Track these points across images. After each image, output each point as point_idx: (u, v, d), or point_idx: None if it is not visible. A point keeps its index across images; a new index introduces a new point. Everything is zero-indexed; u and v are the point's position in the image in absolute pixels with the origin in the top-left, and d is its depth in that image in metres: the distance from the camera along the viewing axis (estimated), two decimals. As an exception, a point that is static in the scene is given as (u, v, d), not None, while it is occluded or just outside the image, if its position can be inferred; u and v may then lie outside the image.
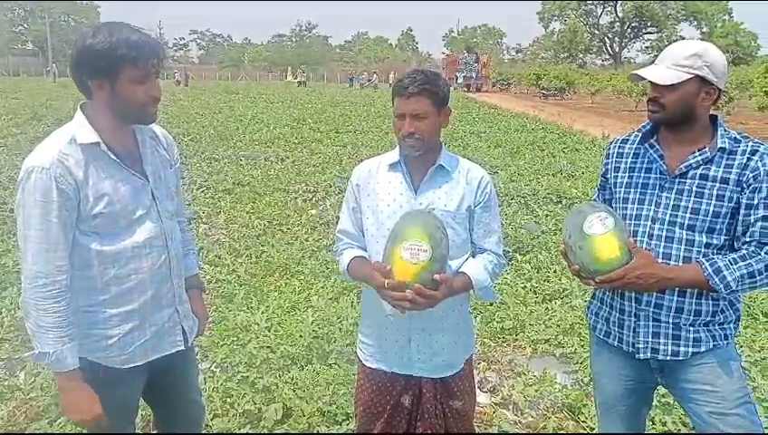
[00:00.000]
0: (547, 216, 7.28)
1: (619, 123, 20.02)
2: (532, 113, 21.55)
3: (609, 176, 2.27)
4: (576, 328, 4.15)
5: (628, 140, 2.25)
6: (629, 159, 2.20)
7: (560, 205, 7.92)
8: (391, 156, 2.26)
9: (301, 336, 3.84)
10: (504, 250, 2.34)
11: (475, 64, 44.57)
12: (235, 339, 3.87)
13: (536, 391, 3.53)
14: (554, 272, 5.50)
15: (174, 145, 2.21)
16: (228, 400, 3.31)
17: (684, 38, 63.16)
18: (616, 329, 2.17)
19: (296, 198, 8.11)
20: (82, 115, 1.91)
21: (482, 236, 2.24)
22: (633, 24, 68.06)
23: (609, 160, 2.27)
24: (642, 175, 2.14)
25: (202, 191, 8.26)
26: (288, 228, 6.69)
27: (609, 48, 71.35)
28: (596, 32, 70.59)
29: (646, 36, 69.66)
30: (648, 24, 67.29)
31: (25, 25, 76.18)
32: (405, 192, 2.18)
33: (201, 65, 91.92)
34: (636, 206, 2.13)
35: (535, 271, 5.56)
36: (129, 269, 1.96)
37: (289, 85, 45.80)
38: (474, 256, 2.25)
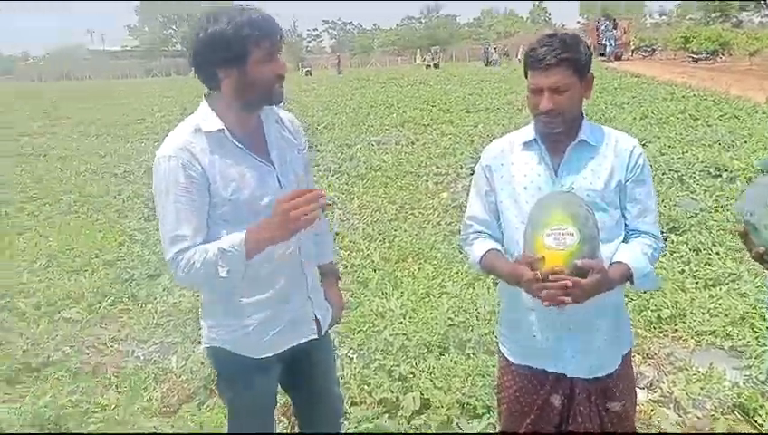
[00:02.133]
0: (705, 191, 6.57)
1: (785, 85, 17.81)
2: (680, 80, 19.77)
3: None
4: (748, 318, 3.65)
5: None
6: None
7: (719, 178, 7.12)
8: (525, 133, 2.02)
9: (436, 324, 3.71)
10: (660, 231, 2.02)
11: (614, 31, 41.76)
12: (371, 325, 3.83)
13: (701, 388, 3.15)
14: (717, 254, 4.93)
15: (300, 129, 2.14)
16: (366, 387, 3.26)
17: None
18: None
19: (427, 181, 7.99)
20: (207, 105, 1.88)
21: (636, 216, 1.95)
22: (800, -27, 60.34)
23: None
24: None
25: (336, 178, 8.39)
26: (420, 212, 6.60)
27: (766, 3, 63.90)
28: (754, -15, 63.48)
29: (815, -15, 61.51)
30: (819, -30, 59.31)
31: (174, 28, 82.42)
32: (543, 173, 1.94)
33: (333, 53, 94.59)
34: None
35: (694, 253, 5.01)
36: (261, 258, 1.90)
37: (419, 68, 45.76)
38: (626, 241, 1.97)
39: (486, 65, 40.31)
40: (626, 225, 1.98)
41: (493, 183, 2.05)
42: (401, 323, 3.80)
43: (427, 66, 44.33)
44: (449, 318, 3.77)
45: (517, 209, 1.98)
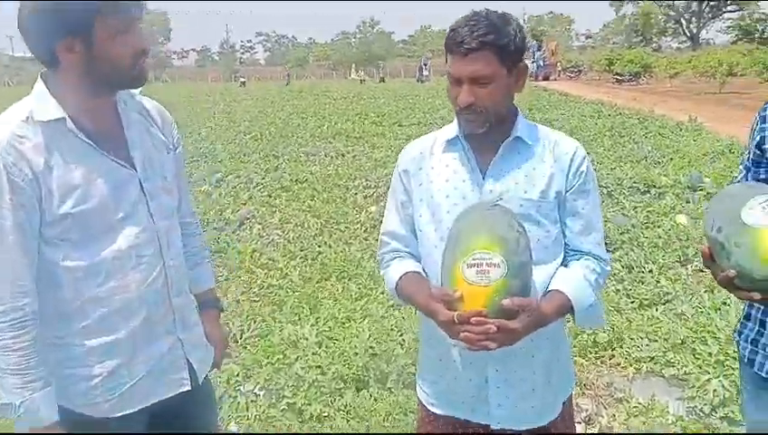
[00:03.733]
0: (635, 207, 6.46)
1: (704, 106, 18.51)
2: (606, 99, 20.26)
3: (766, 145, 1.59)
4: (688, 343, 3.41)
5: None
6: None
7: (648, 194, 7.06)
8: (448, 130, 1.66)
9: (356, 354, 3.29)
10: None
11: (540, 52, 42.92)
12: (281, 356, 3.37)
13: (643, 422, 2.87)
14: (650, 272, 4.75)
15: (172, 123, 1.70)
16: (272, 429, 2.81)
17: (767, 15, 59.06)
18: None
19: (356, 194, 7.60)
20: (44, 86, 1.41)
21: (578, 233, 1.61)
22: (712, 3, 64.08)
23: None
24: None
25: (258, 190, 7.88)
26: (346, 227, 6.19)
27: (686, 29, 67.52)
28: (671, 13, 66.87)
29: (726, 15, 65.47)
30: (728, 1, 63.19)
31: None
32: (468, 177, 1.58)
33: (267, 66, 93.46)
34: None
35: (627, 271, 4.83)
36: (111, 287, 1.45)
37: (353, 83, 45.59)
38: (566, 264, 1.63)
39: (418, 81, 40.77)
40: (565, 244, 1.63)
41: (410, 192, 1.68)
42: (315, 353, 3.36)
43: (362, 81, 44.34)
44: (370, 347, 3.35)
45: (436, 223, 1.61)
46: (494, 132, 1.56)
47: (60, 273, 1.42)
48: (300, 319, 3.94)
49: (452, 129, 1.64)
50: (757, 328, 1.59)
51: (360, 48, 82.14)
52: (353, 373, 3.14)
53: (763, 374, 1.56)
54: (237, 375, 3.27)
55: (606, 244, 4.88)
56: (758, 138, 1.60)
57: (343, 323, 3.79)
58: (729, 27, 64.77)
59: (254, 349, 3.51)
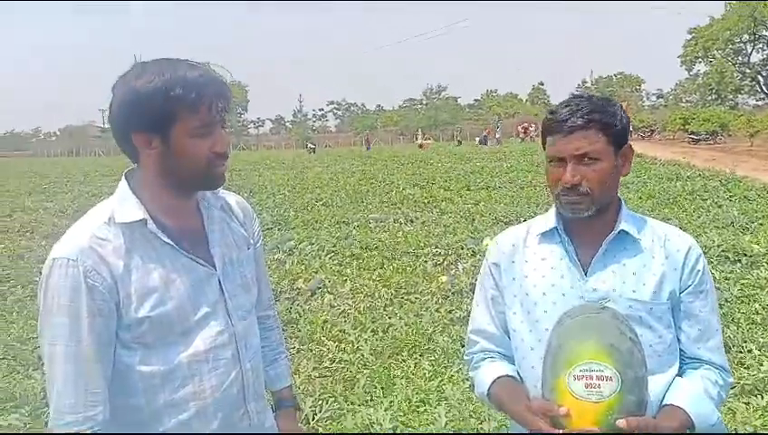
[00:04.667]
0: (726, 278, 6.04)
1: (790, 166, 17.59)
2: (683, 160, 19.59)
3: None
4: (805, 440, 3.06)
5: None
6: None
7: (739, 264, 6.62)
8: (544, 221, 1.55)
9: (433, 442, 3.11)
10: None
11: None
12: (355, 443, 3.23)
13: None
14: (749, 352, 4.36)
15: (253, 217, 1.66)
16: None
17: None
18: None
19: (425, 262, 7.48)
20: (127, 187, 1.41)
21: (695, 340, 1.45)
22: (790, 59, 61.92)
23: None
24: None
25: (329, 257, 7.89)
26: (417, 297, 6.05)
27: (763, 86, 65.29)
28: (747, 70, 64.97)
29: (807, 69, 63.00)
30: (808, 57, 60.88)
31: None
32: (568, 273, 1.46)
33: (338, 133, 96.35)
34: None
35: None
36: (187, 393, 1.39)
37: (424, 146, 46.24)
38: (682, 374, 1.46)
39: (480, 144, 41.49)
40: (681, 350, 1.47)
41: (501, 287, 1.57)
42: (390, 440, 3.21)
43: (420, 145, 45.14)
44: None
45: (531, 323, 1.49)
46: (596, 223, 1.45)
47: (135, 378, 1.37)
48: (372, 400, 3.80)
49: (548, 220, 1.54)
50: None
51: (427, 113, 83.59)
52: (431, 464, 2.96)
53: None
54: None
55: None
56: None
57: (417, 408, 3.62)
58: (811, 82, 62.16)
59: (326, 432, 3.38)
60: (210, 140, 1.37)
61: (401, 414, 3.51)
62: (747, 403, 3.53)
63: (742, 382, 3.84)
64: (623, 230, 1.46)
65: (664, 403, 1.39)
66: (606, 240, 1.45)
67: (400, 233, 9.38)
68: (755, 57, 63.82)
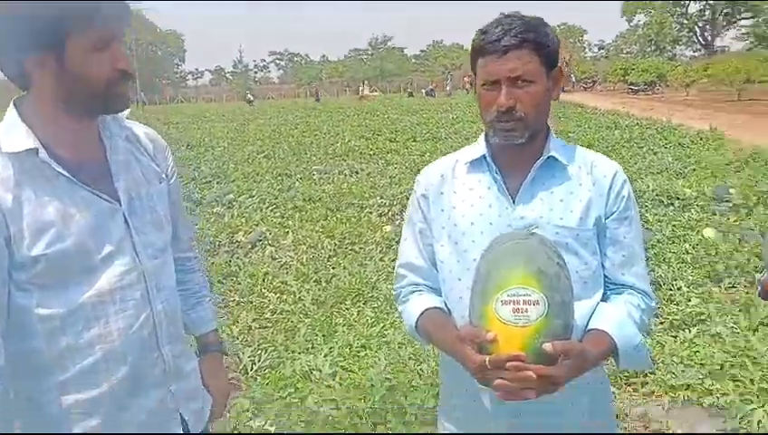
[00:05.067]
0: (660, 221, 6.24)
1: (723, 115, 18.23)
2: (622, 110, 20.03)
3: None
4: (728, 368, 3.19)
5: None
6: None
7: (672, 207, 6.84)
8: (472, 150, 1.50)
9: (372, 386, 3.11)
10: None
11: (556, 64, 42.79)
12: (293, 390, 3.20)
13: (684, 458, 2.66)
14: (679, 290, 4.53)
15: (166, 149, 1.55)
16: (283, 469, 2.64)
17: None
18: None
19: (370, 213, 7.45)
20: (16, 114, 1.27)
21: (620, 265, 1.44)
22: (725, 11, 63.55)
23: None
24: None
25: (271, 210, 7.76)
26: (361, 247, 6.03)
27: (700, 38, 67.00)
28: (685, 21, 66.41)
29: (740, 23, 64.89)
30: (742, 9, 62.61)
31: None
32: (496, 202, 1.42)
33: (281, 84, 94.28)
34: None
35: (654, 288, 4.58)
36: (92, 336, 1.29)
37: (367, 98, 45.75)
38: (606, 299, 1.45)
39: (426, 96, 41.76)
40: (605, 277, 1.46)
41: (430, 219, 1.52)
42: (329, 386, 3.19)
43: (411, 94, 45.18)
44: (387, 378, 3.17)
45: (459, 254, 1.45)
46: (525, 151, 1.41)
47: (33, 321, 1.26)
48: (313, 347, 3.78)
49: (476, 149, 1.49)
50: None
51: (373, 64, 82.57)
52: (370, 408, 2.97)
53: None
54: (247, 410, 3.10)
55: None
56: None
57: (359, 353, 3.61)
58: (744, 34, 64.21)
59: (265, 381, 3.35)
60: (110, 56, 1.25)
61: (341, 359, 3.50)
62: (675, 337, 3.67)
63: (671, 318, 3.99)
64: (552, 157, 1.42)
65: (589, 328, 1.38)
66: (534, 167, 1.41)
67: (345, 184, 9.28)
68: (693, 8, 65.31)
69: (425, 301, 1.51)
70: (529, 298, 1.18)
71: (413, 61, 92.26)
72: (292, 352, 3.73)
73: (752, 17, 62.12)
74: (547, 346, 1.17)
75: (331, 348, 3.66)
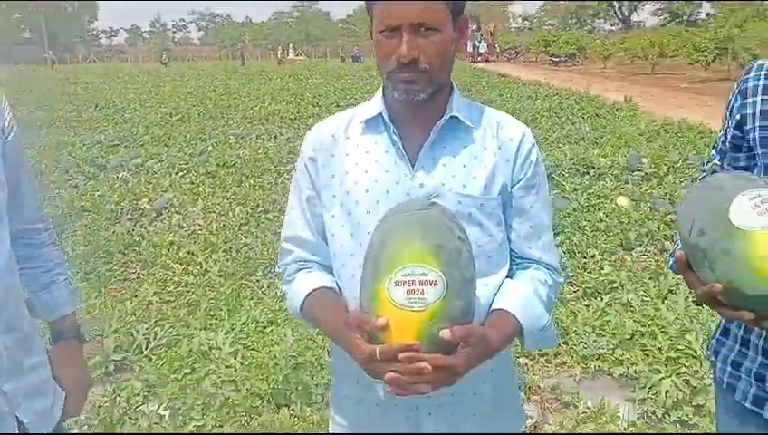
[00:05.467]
0: (576, 189, 6.29)
1: (637, 87, 18.84)
2: (543, 80, 20.34)
3: (749, 126, 1.28)
4: (637, 337, 3.19)
5: None
6: None
7: (587, 176, 6.92)
8: (368, 107, 1.30)
9: (276, 365, 2.90)
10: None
11: (479, 33, 43.10)
12: (191, 370, 2.95)
13: (593, 429, 2.61)
14: (592, 257, 4.55)
15: (1, 102, 1.26)
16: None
17: (695, -2, 61.06)
18: None
19: (288, 179, 7.14)
20: None
21: (526, 237, 1.29)
22: (642, -14, 65.78)
23: (749, 100, 1.28)
24: None
25: (181, 175, 7.32)
26: (275, 215, 5.74)
27: (618, 12, 69.18)
28: (604, -4, 68.36)
29: (656, -1, 67.42)
30: (658, -15, 64.98)
31: (19, 15, 74.62)
32: (394, 167, 1.23)
33: (202, 46, 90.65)
34: None
35: (569, 256, 4.61)
36: None
37: (291, 62, 44.65)
38: (511, 275, 1.30)
39: (354, 61, 41.44)
40: (511, 249, 1.31)
41: (318, 186, 1.31)
42: (229, 366, 2.96)
43: (343, 59, 44.33)
44: (292, 356, 2.97)
45: (353, 226, 1.26)
46: (426, 109, 1.22)
47: None
48: (216, 323, 3.52)
49: (373, 105, 1.28)
50: (738, 347, 1.30)
51: (298, 28, 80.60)
52: (272, 388, 2.76)
53: (747, 404, 1.27)
54: (139, 394, 2.84)
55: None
56: (738, 116, 1.29)
57: (264, 329, 3.39)
58: (658, 10, 66.81)
59: (160, 361, 3.07)
60: None
61: (244, 337, 3.26)
62: (588, 305, 3.66)
63: (584, 286, 3.99)
64: (454, 117, 1.24)
65: (493, 308, 1.23)
66: (435, 128, 1.23)
67: (262, 149, 8.90)
68: (612, -17, 66.97)
69: (313, 280, 1.31)
70: (426, 278, 1.00)
71: (340, 25, 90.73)
72: (193, 328, 3.46)
73: (666, -6, 64.63)
74: (445, 333, 0.99)
75: (233, 324, 3.41)
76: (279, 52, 50.03)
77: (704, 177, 1.44)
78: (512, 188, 1.26)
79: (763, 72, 1.26)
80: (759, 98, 1.25)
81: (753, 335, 1.25)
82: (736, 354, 1.30)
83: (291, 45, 62.63)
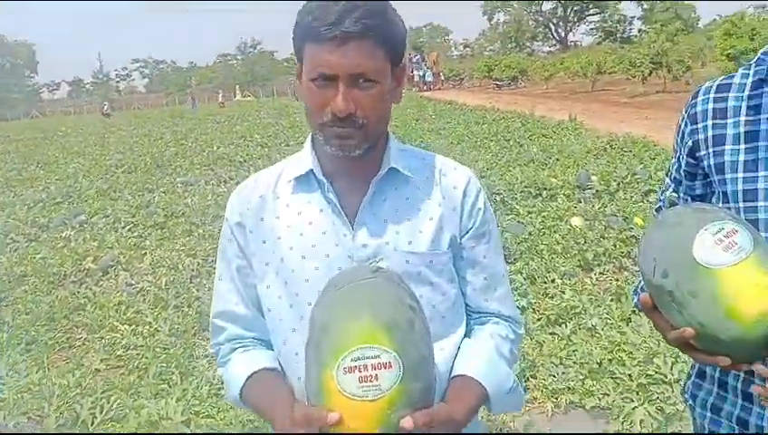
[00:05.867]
0: (530, 212, 6.29)
1: (579, 104, 19.31)
2: (489, 105, 20.69)
3: (702, 153, 1.21)
4: (606, 365, 3.11)
5: (730, 85, 1.20)
6: (745, 117, 1.16)
7: (540, 197, 6.96)
8: (297, 162, 1.19)
9: (231, 432, 2.71)
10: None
11: (424, 63, 43.91)
12: (140, 445, 2.74)
13: (570, 468, 2.51)
14: (552, 282, 4.51)
15: None
16: None
17: (625, 17, 63.77)
18: None
19: (239, 225, 6.95)
20: None
21: (482, 290, 1.20)
22: (575, 8, 68.28)
23: (700, 126, 1.21)
24: None
25: (128, 230, 7.04)
26: (227, 265, 5.54)
27: (555, 33, 71.53)
28: (540, 18, 70.63)
29: (589, 18, 70.04)
30: (590, 5, 67.57)
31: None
32: (331, 227, 1.12)
33: (149, 93, 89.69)
34: None
35: (529, 282, 4.56)
36: None
37: (239, 104, 44.48)
38: (469, 333, 1.20)
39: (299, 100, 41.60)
40: (466, 304, 1.20)
41: (249, 254, 1.18)
42: (181, 438, 2.75)
43: (221, 104, 43.47)
44: (249, 420, 2.78)
45: (291, 297, 1.14)
46: (362, 162, 1.11)
47: None
48: (167, 389, 3.30)
49: (302, 160, 1.17)
50: (716, 390, 1.22)
51: (243, 69, 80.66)
52: (229, 457, 2.57)
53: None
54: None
55: (505, 256, 4.60)
56: (690, 142, 1.22)
57: (219, 391, 3.18)
58: (592, 29, 69.40)
59: (106, 438, 2.85)
60: None
61: (196, 402, 3.05)
62: (553, 334, 3.58)
63: (547, 313, 3.92)
64: (393, 168, 1.14)
65: (454, 374, 1.13)
66: (373, 181, 1.12)
67: (211, 196, 8.68)
68: (547, 5, 69.53)
69: (251, 361, 1.18)
70: (378, 361, 0.88)
71: (284, 64, 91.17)
72: (143, 397, 3.23)
73: (598, 13, 67.31)
74: (406, 422, 0.88)
75: (185, 390, 3.20)
76: (220, 95, 49.67)
77: (660, 206, 1.38)
78: (461, 239, 1.16)
79: (711, 96, 1.20)
80: (710, 122, 1.18)
81: (731, 378, 1.17)
82: (715, 398, 1.22)
83: (237, 87, 62.49)
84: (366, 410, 0.88)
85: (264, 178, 1.23)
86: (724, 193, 1.16)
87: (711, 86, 1.21)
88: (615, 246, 4.97)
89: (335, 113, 1.03)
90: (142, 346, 4.00)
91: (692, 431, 1.33)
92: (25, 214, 8.37)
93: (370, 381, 0.88)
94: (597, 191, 6.86)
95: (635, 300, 1.34)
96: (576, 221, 5.79)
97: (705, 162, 1.19)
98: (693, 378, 1.29)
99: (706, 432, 1.24)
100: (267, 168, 1.27)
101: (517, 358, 1.24)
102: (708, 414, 1.23)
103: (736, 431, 1.16)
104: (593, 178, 7.35)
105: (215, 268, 4.25)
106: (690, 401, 1.29)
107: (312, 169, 1.15)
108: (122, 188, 9.70)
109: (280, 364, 1.18)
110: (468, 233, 1.17)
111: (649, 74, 23.33)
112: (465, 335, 1.19)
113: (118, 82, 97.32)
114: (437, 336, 1.09)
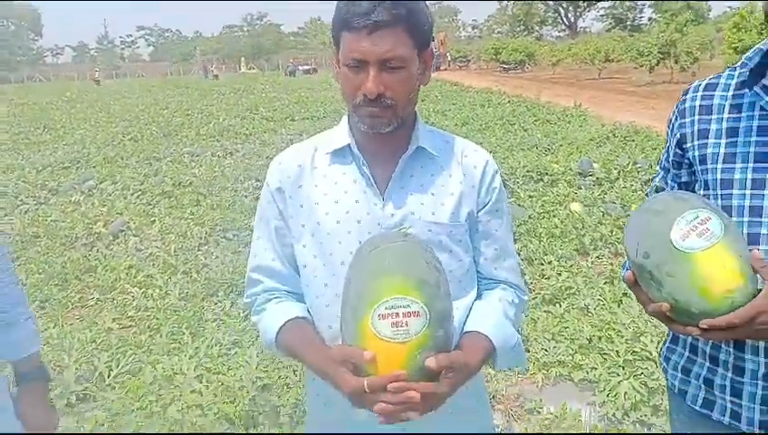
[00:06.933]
0: (530, 197, 6.44)
1: (585, 92, 19.36)
2: (495, 88, 20.72)
3: (688, 145, 1.36)
4: (595, 342, 3.29)
5: (716, 84, 1.34)
6: (727, 114, 1.31)
7: (541, 182, 7.09)
8: (335, 137, 1.33)
9: (242, 387, 2.89)
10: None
11: (432, 43, 43.81)
12: (155, 398, 2.91)
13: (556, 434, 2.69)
14: (549, 264, 4.67)
15: None
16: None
17: (636, 4, 63.19)
18: (726, 397, 1.30)
19: (245, 196, 7.11)
20: None
21: (492, 260, 1.35)
22: (586, -7, 67.76)
23: (687, 120, 1.36)
24: (755, 138, 1.26)
25: (136, 197, 7.19)
26: (235, 234, 5.71)
27: (564, 18, 71.05)
28: (550, 2, 70.11)
29: (600, 4, 69.53)
30: (601, -9, 67.02)
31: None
32: (363, 197, 1.27)
33: (153, 62, 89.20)
34: (749, 192, 1.25)
35: (527, 263, 4.72)
36: None
37: (244, 75, 44.33)
38: (480, 296, 1.35)
39: (289, 76, 41.89)
40: (478, 271, 1.36)
41: (286, 216, 1.33)
42: (195, 391, 2.93)
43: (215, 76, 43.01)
44: (259, 377, 2.96)
45: (325, 256, 1.28)
46: (393, 139, 1.26)
47: None
48: (179, 348, 3.48)
49: (339, 136, 1.31)
50: (687, 354, 1.38)
51: (249, 41, 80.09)
52: (239, 411, 2.75)
53: (698, 407, 1.35)
54: (103, 424, 2.79)
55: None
56: (678, 135, 1.37)
57: (228, 351, 3.37)
58: (603, 16, 68.84)
59: (124, 390, 3.03)
60: None
61: (208, 360, 3.24)
62: (547, 311, 3.75)
63: (543, 293, 4.08)
64: (420, 147, 1.29)
65: (465, 330, 1.28)
66: (402, 158, 1.27)
67: (218, 167, 8.82)
68: (557, -10, 68.72)
69: (285, 310, 1.33)
70: (409, 309, 1.04)
71: (291, 38, 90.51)
72: (155, 354, 3.41)
73: None
74: (430, 362, 1.04)
75: (197, 348, 3.38)
76: (212, 65, 48.81)
77: (648, 193, 1.53)
78: (478, 212, 1.32)
79: (699, 93, 1.34)
80: (696, 117, 1.33)
81: (701, 343, 1.33)
82: (686, 361, 1.38)
83: (242, 59, 62.20)
84: (396, 350, 1.03)
85: (301, 149, 1.37)
86: (706, 181, 1.31)
87: (700, 85, 1.36)
88: (611, 232, 5.13)
89: (366, 95, 1.18)
90: (153, 308, 4.18)
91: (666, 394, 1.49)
92: (35, 177, 8.51)
93: (401, 326, 1.03)
94: (597, 178, 7.00)
95: (623, 275, 1.50)
96: (575, 207, 5.94)
97: (691, 153, 1.34)
98: (668, 344, 1.45)
99: (676, 392, 1.40)
100: (302, 142, 1.41)
101: (521, 321, 1.39)
102: (679, 375, 1.39)
103: (702, 390, 1.33)
104: (595, 165, 7.48)
105: (222, 238, 4.46)
106: (664, 364, 1.45)
107: (349, 144, 1.29)
108: (129, 156, 9.83)
109: (311, 315, 1.34)
110: (484, 208, 1.32)
111: (657, 64, 23.29)
112: (477, 298, 1.35)
113: (122, 48, 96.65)
114: (453, 297, 1.23)
